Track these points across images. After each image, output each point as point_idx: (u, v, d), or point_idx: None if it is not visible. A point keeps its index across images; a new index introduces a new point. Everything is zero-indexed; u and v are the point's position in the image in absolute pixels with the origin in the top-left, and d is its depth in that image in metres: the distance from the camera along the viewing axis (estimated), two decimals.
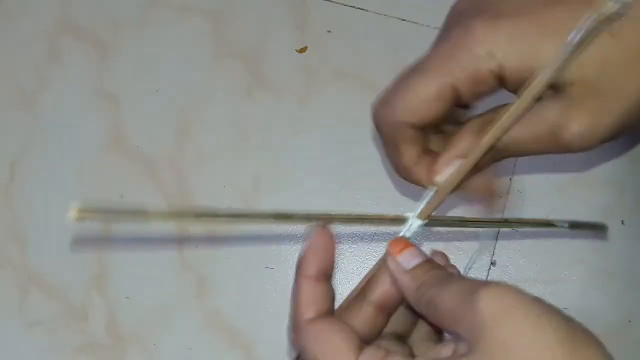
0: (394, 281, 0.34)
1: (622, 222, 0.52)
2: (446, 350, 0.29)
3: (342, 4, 0.55)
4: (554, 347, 0.25)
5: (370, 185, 0.53)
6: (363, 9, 0.55)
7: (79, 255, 0.53)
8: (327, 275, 0.34)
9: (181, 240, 0.53)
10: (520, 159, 0.52)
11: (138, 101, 0.55)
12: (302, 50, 0.55)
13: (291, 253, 0.53)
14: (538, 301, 0.27)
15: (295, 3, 0.55)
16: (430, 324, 0.36)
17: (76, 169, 0.54)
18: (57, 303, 0.53)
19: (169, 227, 0.53)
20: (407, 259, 0.33)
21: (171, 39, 0.56)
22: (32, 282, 0.53)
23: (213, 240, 0.53)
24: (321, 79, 0.55)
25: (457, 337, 0.29)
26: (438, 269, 0.32)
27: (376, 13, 0.55)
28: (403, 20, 0.55)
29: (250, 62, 0.55)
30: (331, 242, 0.34)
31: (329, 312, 0.33)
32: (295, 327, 0.33)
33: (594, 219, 0.48)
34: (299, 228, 0.53)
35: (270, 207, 0.54)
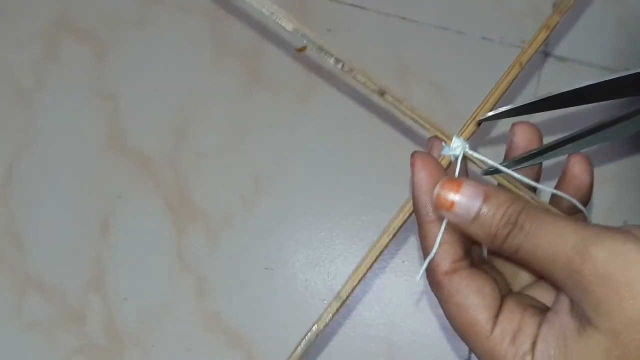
0: (463, 231, 0.29)
1: (625, 222, 0.52)
2: (563, 303, 0.27)
3: (342, 2, 0.55)
4: None
5: (370, 185, 0.53)
6: (363, 8, 0.55)
7: (77, 256, 0.53)
8: None
9: (180, 241, 0.53)
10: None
11: (137, 101, 0.55)
12: (302, 49, 0.55)
13: (291, 254, 0.53)
14: None
15: (295, 2, 0.55)
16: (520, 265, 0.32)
17: (74, 169, 0.54)
18: (55, 304, 0.53)
19: (169, 227, 0.53)
20: (468, 202, 0.27)
21: (170, 38, 0.55)
22: (29, 283, 0.53)
23: (213, 240, 0.53)
24: (321, 79, 0.54)
25: (565, 288, 0.26)
26: (505, 205, 0.27)
27: (376, 12, 0.55)
28: (403, 18, 0.55)
29: (249, 61, 0.55)
30: (436, 166, 0.29)
31: (464, 256, 0.29)
32: (431, 279, 0.29)
33: (596, 219, 0.48)
34: (299, 228, 0.53)
35: (270, 207, 0.54)
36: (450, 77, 0.54)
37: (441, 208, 0.28)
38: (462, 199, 0.28)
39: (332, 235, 0.53)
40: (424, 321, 0.51)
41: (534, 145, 0.34)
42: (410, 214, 0.33)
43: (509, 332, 0.27)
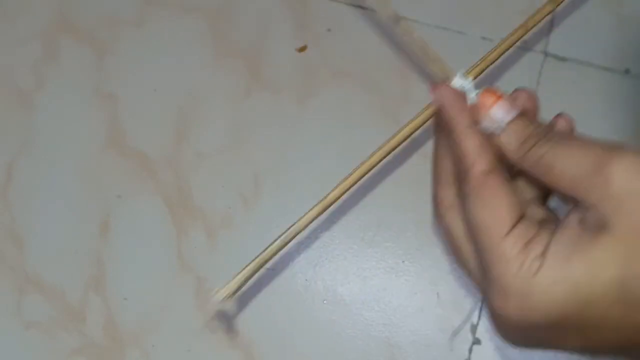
0: (491, 138, 0.30)
1: None
2: (572, 220, 0.28)
3: (342, 2, 0.55)
4: None
5: (370, 185, 0.53)
6: (363, 8, 0.55)
7: (76, 256, 0.53)
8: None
9: (180, 241, 0.53)
10: None
11: (137, 101, 0.55)
12: (302, 49, 0.55)
13: (291, 253, 0.53)
14: None
15: (295, 2, 0.55)
16: (535, 182, 0.33)
17: (74, 169, 0.54)
18: (55, 304, 0.53)
19: (169, 227, 0.53)
20: (504, 111, 0.30)
21: (170, 38, 0.56)
22: (30, 283, 0.53)
23: (212, 240, 0.53)
24: (321, 79, 0.54)
25: (579, 204, 0.27)
26: (538, 122, 0.30)
27: (376, 12, 0.55)
28: (403, 18, 0.55)
29: (250, 61, 0.55)
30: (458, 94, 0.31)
31: (499, 165, 0.30)
32: (466, 176, 0.30)
33: None
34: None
35: (270, 207, 0.54)
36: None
37: (483, 107, 0.30)
38: (502, 103, 0.30)
39: (332, 235, 0.53)
40: (424, 321, 0.51)
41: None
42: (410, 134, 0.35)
43: (524, 237, 0.28)
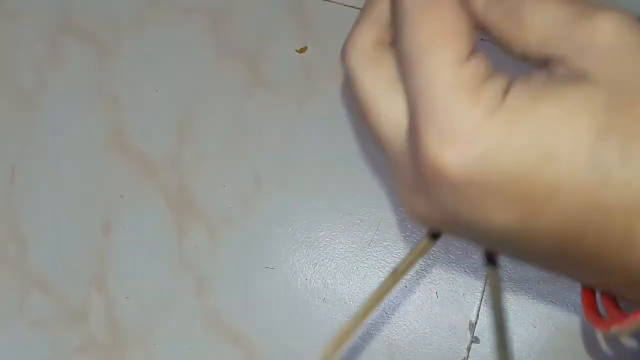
0: None
1: None
2: (537, 74, 0.22)
3: (342, 4, 0.55)
4: None
5: (370, 185, 0.53)
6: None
7: (79, 255, 0.53)
8: None
9: (181, 240, 0.53)
10: None
11: (138, 101, 0.55)
12: (302, 50, 0.55)
13: (291, 253, 0.53)
14: None
15: (295, 3, 0.55)
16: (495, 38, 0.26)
17: (76, 170, 0.54)
18: (57, 303, 0.53)
19: (170, 227, 0.54)
20: None
21: (171, 39, 0.56)
22: (32, 282, 0.53)
23: (214, 239, 0.53)
24: (321, 79, 0.55)
25: (547, 64, 0.22)
26: None
27: None
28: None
29: (250, 62, 0.55)
30: None
31: None
32: None
33: None
34: (299, 228, 0.53)
35: (270, 207, 0.54)
36: None
37: None
38: None
39: (332, 235, 0.53)
40: (422, 320, 0.52)
41: None
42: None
43: (483, 70, 0.22)
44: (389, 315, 0.52)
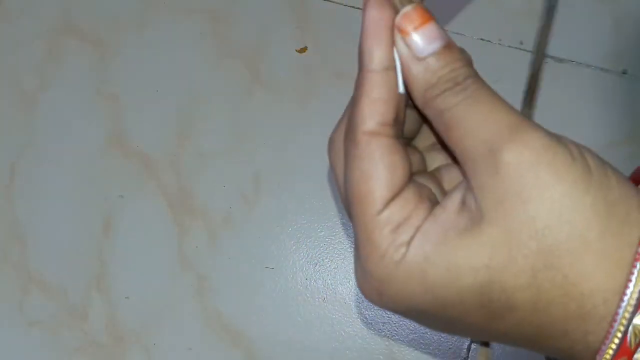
0: (404, 72, 0.25)
1: None
2: (454, 199, 0.24)
3: (341, 4, 0.55)
4: (590, 226, 0.22)
5: None
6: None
7: (79, 255, 0.53)
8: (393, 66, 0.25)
9: (181, 240, 0.53)
10: None
11: (138, 101, 0.55)
12: (302, 50, 0.55)
13: (291, 253, 0.53)
14: (583, 172, 0.23)
15: (295, 3, 0.56)
16: (434, 132, 0.29)
17: (76, 169, 0.54)
18: (57, 303, 0.53)
19: (170, 227, 0.54)
20: (424, 40, 0.24)
21: (171, 39, 0.56)
22: (32, 282, 0.53)
23: (213, 239, 0.53)
24: (321, 79, 0.55)
25: (464, 174, 0.24)
26: (460, 64, 0.24)
27: None
28: None
29: (250, 62, 0.55)
30: (391, 14, 0.25)
31: (392, 123, 0.25)
32: (349, 133, 0.25)
33: None
34: (299, 228, 0.53)
35: (270, 207, 0.54)
36: None
37: (400, 30, 0.25)
38: (425, 31, 0.24)
39: (332, 234, 0.53)
40: None
41: None
42: None
43: (396, 220, 0.24)
44: (389, 315, 0.52)
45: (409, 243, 0.24)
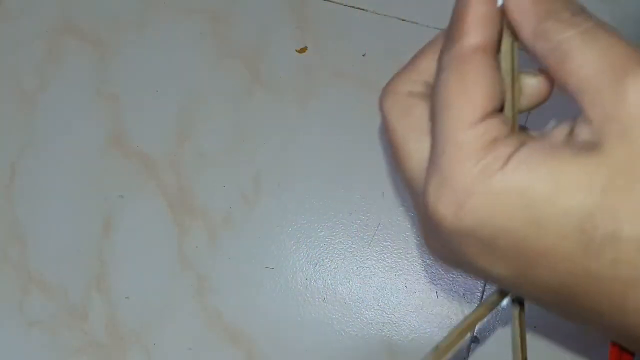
0: (507, 6, 0.24)
1: None
2: (560, 130, 0.23)
3: (342, 4, 0.55)
4: None
5: (370, 185, 0.53)
6: (363, 9, 0.55)
7: (79, 255, 0.53)
8: None
9: (181, 240, 0.53)
10: None
11: (138, 101, 0.55)
12: (302, 50, 0.55)
13: (291, 253, 0.53)
14: None
15: (295, 3, 0.56)
16: (540, 70, 0.27)
17: (76, 169, 0.54)
18: (57, 302, 0.53)
19: (170, 227, 0.54)
20: None
21: (171, 39, 0.56)
22: (32, 282, 0.53)
23: (214, 239, 0.53)
24: (321, 79, 0.55)
25: (578, 116, 0.23)
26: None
27: (376, 13, 0.55)
28: (403, 20, 0.55)
29: (250, 62, 0.55)
30: None
31: (495, 45, 0.24)
32: (452, 44, 0.24)
33: None
34: (299, 228, 0.53)
35: (270, 207, 0.54)
36: None
37: None
38: None
39: (332, 234, 0.53)
40: (423, 320, 0.52)
41: None
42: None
43: (493, 133, 0.23)
44: (390, 315, 0.52)
45: (509, 156, 0.22)
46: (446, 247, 0.25)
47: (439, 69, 0.24)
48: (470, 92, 0.23)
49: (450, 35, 0.24)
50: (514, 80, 0.26)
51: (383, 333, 0.52)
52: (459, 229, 0.23)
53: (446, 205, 0.23)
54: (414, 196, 0.26)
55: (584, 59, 0.22)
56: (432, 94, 0.24)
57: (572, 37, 0.22)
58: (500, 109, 0.24)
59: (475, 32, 0.24)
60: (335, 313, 0.52)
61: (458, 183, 0.22)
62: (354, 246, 0.53)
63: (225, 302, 0.53)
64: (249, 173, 0.54)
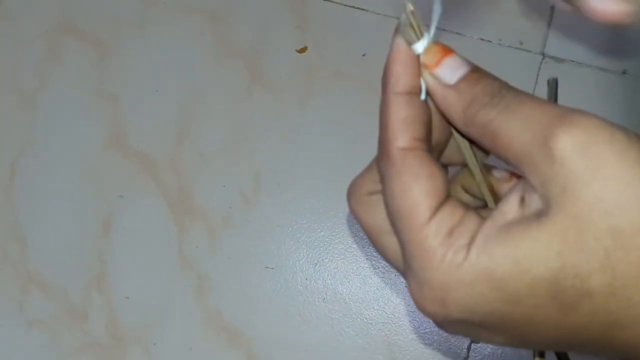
0: (436, 101, 0.26)
1: None
2: (511, 203, 0.24)
3: (342, 4, 0.55)
4: None
5: None
6: (363, 9, 0.55)
7: (79, 255, 0.53)
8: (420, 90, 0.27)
9: (181, 240, 0.53)
10: None
11: (138, 101, 0.55)
12: (302, 50, 0.55)
13: (291, 253, 0.53)
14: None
15: (295, 3, 0.56)
16: (482, 149, 0.29)
17: (76, 169, 0.54)
18: (58, 303, 0.53)
19: (170, 227, 0.54)
20: (450, 70, 0.26)
21: (171, 39, 0.56)
22: (32, 282, 0.53)
23: (213, 239, 0.53)
24: (321, 79, 0.55)
25: (523, 177, 0.24)
26: (490, 80, 0.25)
27: (376, 13, 0.55)
28: None
29: (250, 62, 0.55)
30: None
31: (424, 140, 0.26)
32: (383, 152, 0.26)
33: None
34: (299, 228, 0.53)
35: (270, 207, 0.54)
36: None
37: (426, 66, 0.26)
38: (449, 61, 0.26)
39: (332, 234, 0.53)
40: (423, 320, 0.52)
41: None
42: None
43: (447, 225, 0.24)
44: (389, 315, 0.52)
45: (469, 245, 0.24)
46: (442, 324, 0.26)
47: (381, 178, 0.26)
48: (413, 197, 0.25)
49: (380, 141, 0.26)
50: (472, 149, 0.28)
51: (383, 333, 0.52)
52: (450, 320, 0.25)
53: (431, 304, 0.25)
54: (402, 274, 0.28)
55: (509, 134, 0.23)
56: (385, 204, 0.26)
57: (495, 118, 0.24)
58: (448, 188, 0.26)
59: (402, 135, 0.25)
60: (335, 313, 0.52)
61: (434, 282, 0.24)
62: (354, 246, 0.53)
63: (225, 302, 0.53)
64: (248, 173, 0.54)
